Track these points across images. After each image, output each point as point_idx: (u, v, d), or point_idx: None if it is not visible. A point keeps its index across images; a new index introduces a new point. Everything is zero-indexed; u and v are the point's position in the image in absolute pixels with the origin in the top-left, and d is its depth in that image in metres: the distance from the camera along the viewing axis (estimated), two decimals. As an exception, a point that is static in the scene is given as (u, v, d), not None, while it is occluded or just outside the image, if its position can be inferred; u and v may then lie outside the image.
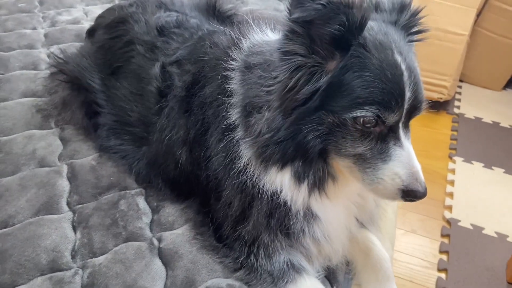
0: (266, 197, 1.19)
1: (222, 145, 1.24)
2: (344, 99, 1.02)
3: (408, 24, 1.17)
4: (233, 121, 1.20)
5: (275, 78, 1.08)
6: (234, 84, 1.22)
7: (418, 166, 1.05)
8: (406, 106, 1.03)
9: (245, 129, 1.17)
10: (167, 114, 1.46)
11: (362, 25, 1.01)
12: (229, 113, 1.21)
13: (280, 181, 1.15)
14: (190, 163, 1.41)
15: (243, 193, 1.23)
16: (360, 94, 1.00)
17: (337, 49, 1.02)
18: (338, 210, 1.26)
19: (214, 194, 1.34)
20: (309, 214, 1.22)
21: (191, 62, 1.46)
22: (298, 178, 1.13)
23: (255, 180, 1.18)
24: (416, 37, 1.20)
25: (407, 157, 1.05)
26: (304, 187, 1.15)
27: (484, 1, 3.61)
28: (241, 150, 1.18)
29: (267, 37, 1.30)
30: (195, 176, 1.41)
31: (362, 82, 1.00)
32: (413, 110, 1.06)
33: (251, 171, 1.17)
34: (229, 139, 1.21)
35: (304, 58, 1.02)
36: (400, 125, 1.06)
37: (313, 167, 1.12)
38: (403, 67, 1.03)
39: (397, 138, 1.06)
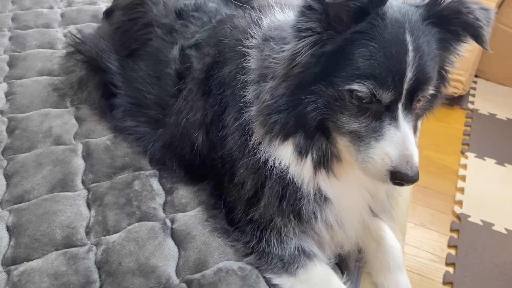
0: (277, 175, 1.20)
1: (238, 123, 1.25)
2: (345, 69, 1.02)
3: (430, 5, 1.12)
4: (249, 99, 1.20)
5: (285, 50, 1.09)
6: (252, 61, 1.22)
7: (413, 150, 1.03)
8: (406, 86, 1.02)
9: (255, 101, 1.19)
10: (185, 96, 1.46)
11: None
12: (246, 91, 1.22)
13: (284, 155, 1.16)
14: (206, 145, 1.41)
15: (257, 172, 1.24)
16: (360, 65, 1.01)
17: (354, 21, 1.01)
18: (351, 194, 1.26)
19: (228, 175, 1.34)
20: (320, 196, 1.22)
21: (211, 45, 1.46)
22: (300, 152, 1.14)
23: (266, 157, 1.18)
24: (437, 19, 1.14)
25: (401, 138, 1.03)
26: (309, 164, 1.16)
27: (504, -5, 3.56)
28: (255, 127, 1.19)
29: (288, 16, 1.29)
30: (210, 159, 1.42)
31: (365, 53, 1.01)
32: (415, 92, 1.04)
33: (263, 148, 1.18)
34: (245, 117, 1.21)
35: (319, 35, 1.03)
36: (400, 105, 1.04)
37: (315, 143, 1.13)
38: (410, 47, 1.01)
39: (393, 118, 1.04)
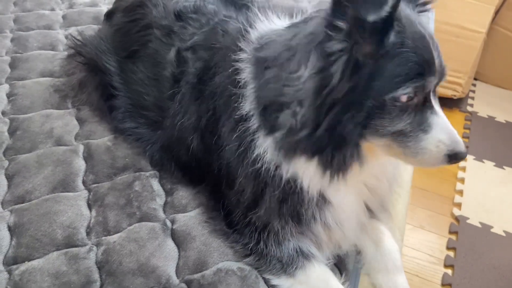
0: (280, 183, 1.19)
1: (235, 135, 1.24)
2: (384, 80, 1.00)
3: None
4: (246, 112, 1.19)
5: (301, 77, 1.06)
6: (246, 76, 1.21)
7: (453, 128, 1.07)
8: (437, 72, 1.05)
9: (265, 124, 1.16)
10: (180, 100, 1.47)
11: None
12: (241, 104, 1.21)
13: (304, 169, 1.14)
14: (201, 149, 1.42)
15: (256, 180, 1.24)
16: (399, 72, 1.00)
17: (378, 32, 0.98)
18: (349, 194, 1.26)
19: (226, 181, 1.34)
20: (322, 200, 1.22)
21: (205, 48, 1.47)
22: (325, 166, 1.11)
23: (271, 168, 1.18)
24: (423, 7, 1.19)
25: (443, 122, 1.07)
26: (327, 175, 1.13)
27: (503, -1, 3.57)
28: (256, 140, 1.19)
29: (274, 25, 1.28)
30: (206, 162, 1.42)
31: (401, 60, 0.99)
32: (441, 76, 1.08)
33: (266, 160, 1.17)
34: (243, 129, 1.21)
35: (350, 54, 0.99)
36: (431, 93, 1.07)
37: (343, 153, 1.10)
38: (427, 36, 1.05)
39: (431, 107, 1.07)
